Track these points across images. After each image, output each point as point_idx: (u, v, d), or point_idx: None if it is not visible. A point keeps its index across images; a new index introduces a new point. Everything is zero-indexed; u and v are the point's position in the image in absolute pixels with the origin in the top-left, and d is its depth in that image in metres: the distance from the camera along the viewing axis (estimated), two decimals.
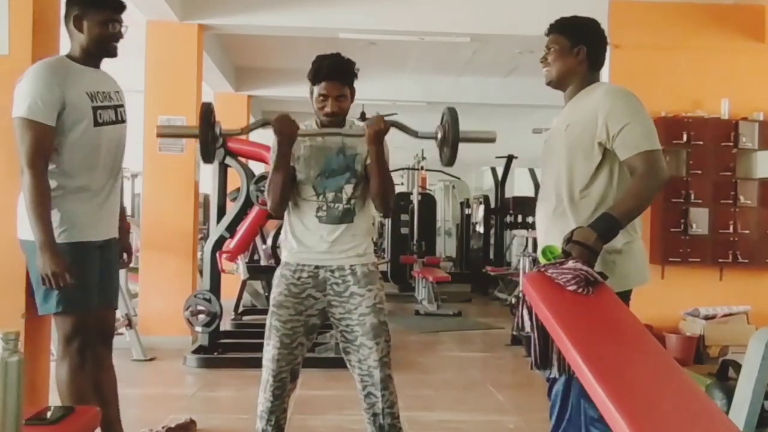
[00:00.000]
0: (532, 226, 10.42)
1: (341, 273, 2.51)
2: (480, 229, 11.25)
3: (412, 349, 5.73)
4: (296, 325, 2.49)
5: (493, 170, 11.16)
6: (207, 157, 2.43)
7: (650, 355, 1.88)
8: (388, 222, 11.06)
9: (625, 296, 2.31)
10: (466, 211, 11.82)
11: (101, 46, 2.49)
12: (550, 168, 2.40)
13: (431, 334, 6.63)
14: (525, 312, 2.18)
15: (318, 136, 2.55)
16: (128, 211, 10.27)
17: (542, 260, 2.16)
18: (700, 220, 5.47)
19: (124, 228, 2.77)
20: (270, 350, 2.48)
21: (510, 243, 11.43)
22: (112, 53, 2.53)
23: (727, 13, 5.56)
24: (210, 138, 2.40)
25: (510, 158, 10.32)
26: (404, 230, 10.64)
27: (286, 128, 2.42)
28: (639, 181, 2.14)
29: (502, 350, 5.69)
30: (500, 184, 10.74)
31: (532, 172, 11.14)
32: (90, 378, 2.49)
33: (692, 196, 5.47)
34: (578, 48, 2.33)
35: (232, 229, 5.06)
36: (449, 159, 2.44)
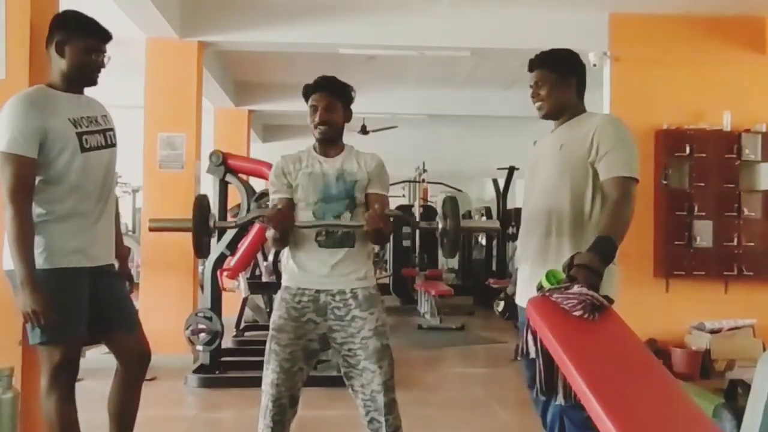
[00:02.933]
0: None
1: (342, 297, 2.48)
2: (482, 240, 11.21)
3: (415, 365, 5.68)
4: (296, 349, 2.46)
5: (495, 182, 11.13)
6: (200, 252, 2.38)
7: (658, 383, 1.84)
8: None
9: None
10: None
11: (82, 74, 2.45)
12: (540, 187, 2.42)
13: (434, 349, 6.58)
14: (529, 337, 2.15)
15: (319, 178, 2.50)
16: (129, 227, 10.30)
17: (546, 284, 2.12)
18: (704, 233, 5.45)
19: (123, 254, 2.73)
20: (269, 375, 2.44)
21: (512, 254, 11.38)
22: (93, 82, 2.49)
23: (728, 25, 5.55)
24: (204, 232, 2.36)
25: (511, 169, 10.29)
26: (406, 243, 10.61)
27: (282, 226, 2.42)
28: (617, 206, 2.23)
29: (505, 365, 5.64)
30: (502, 196, 10.71)
31: None
32: (75, 411, 2.43)
33: (696, 209, 5.45)
34: (568, 81, 2.43)
35: (232, 246, 5.03)
36: (450, 251, 2.42)
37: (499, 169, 10.35)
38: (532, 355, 2.14)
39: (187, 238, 5.50)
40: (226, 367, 5.11)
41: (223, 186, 5.15)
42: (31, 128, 2.30)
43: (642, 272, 5.45)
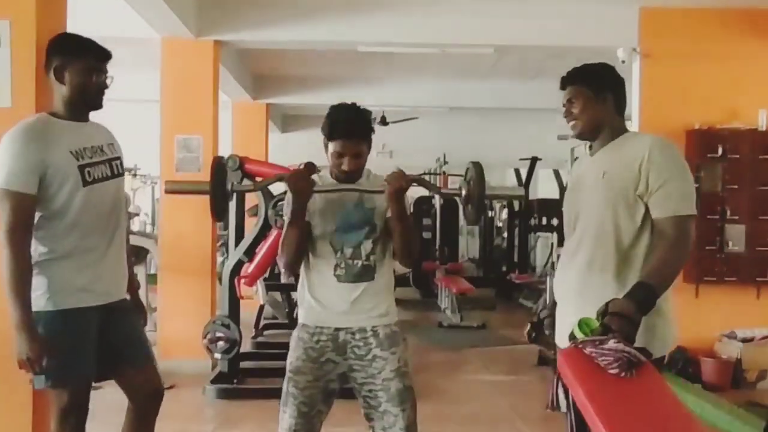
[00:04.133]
0: (557, 229, 10.29)
1: (363, 335, 2.37)
2: (503, 229, 11.05)
3: (435, 371, 5.58)
4: (315, 392, 2.36)
5: (517, 172, 10.94)
6: (218, 214, 2.30)
7: None
8: None
9: (662, 360, 2.21)
10: (489, 213, 11.62)
11: (85, 98, 2.34)
12: (584, 218, 2.26)
13: (454, 351, 6.48)
14: (560, 391, 2.03)
15: (337, 205, 2.39)
16: (148, 219, 10.30)
17: (579, 334, 1.99)
18: (736, 238, 5.26)
19: (134, 286, 2.64)
20: (287, 420, 2.34)
21: (534, 245, 11.23)
22: (98, 105, 2.38)
23: (764, 19, 5.30)
24: (221, 195, 2.26)
25: (534, 160, 10.08)
26: (426, 234, 10.49)
27: (301, 186, 2.28)
28: (671, 249, 2.07)
29: (529, 371, 5.53)
30: (524, 186, 10.51)
31: (556, 173, 10.88)
32: None
33: (728, 213, 5.26)
34: (603, 96, 2.26)
35: (250, 252, 4.94)
36: (475, 218, 2.28)
37: (521, 159, 10.15)
38: (563, 409, 2.02)
39: (206, 240, 5.49)
40: (245, 375, 5.06)
41: (241, 192, 5.03)
42: (30, 163, 2.20)
43: None
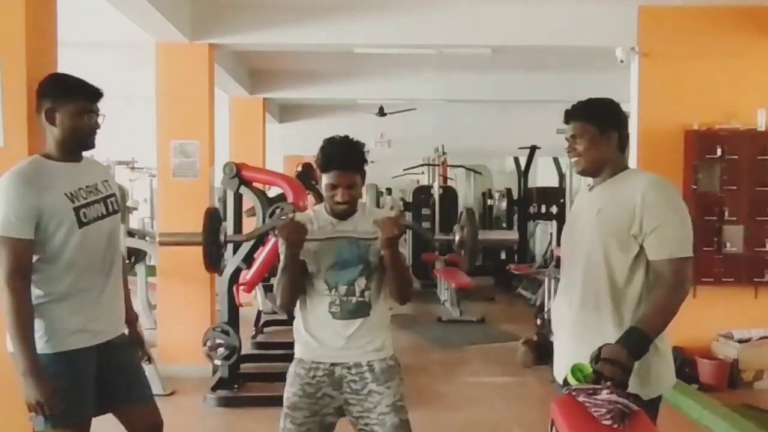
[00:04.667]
0: (556, 217, 10.29)
1: (358, 370, 2.39)
2: (501, 219, 11.04)
3: (434, 372, 5.62)
4: (312, 427, 2.38)
5: (516, 160, 10.91)
6: (212, 264, 2.28)
7: None
8: (408, 216, 10.89)
9: (659, 400, 2.23)
10: (489, 202, 11.62)
11: (76, 140, 2.32)
12: (578, 254, 2.26)
13: (454, 349, 6.52)
14: None
15: (331, 242, 2.38)
16: (146, 213, 10.30)
17: (572, 381, 2.01)
18: (734, 238, 5.25)
19: (132, 321, 2.65)
20: None
21: (534, 231, 11.23)
22: (90, 146, 2.37)
23: (764, 17, 5.24)
24: (215, 246, 2.25)
25: (533, 149, 10.06)
26: (425, 224, 10.48)
27: (293, 238, 2.28)
28: (667, 294, 2.06)
29: (528, 372, 5.54)
30: (523, 175, 10.51)
31: (556, 161, 10.86)
32: None
33: (726, 213, 5.25)
34: (609, 134, 2.23)
35: (248, 259, 4.94)
36: (468, 264, 2.27)
37: (520, 148, 10.12)
38: None
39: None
40: (245, 380, 5.09)
41: (238, 198, 5.03)
42: (26, 208, 2.20)
43: None
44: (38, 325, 2.27)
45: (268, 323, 6.96)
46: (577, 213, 2.36)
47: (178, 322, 5.41)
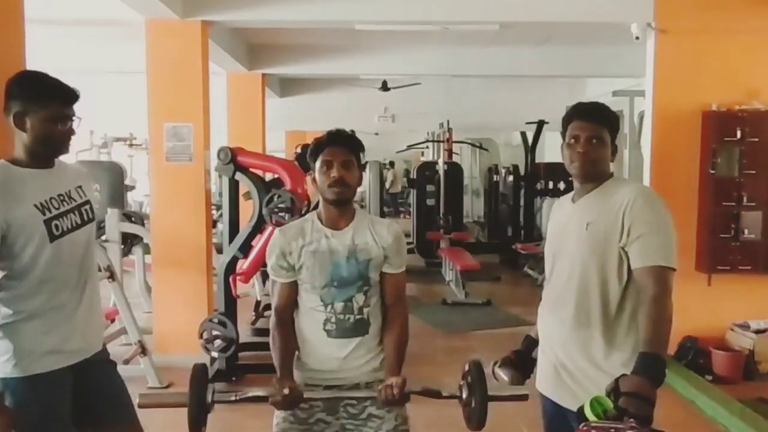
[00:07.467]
0: (563, 194, 10.01)
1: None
2: (508, 197, 10.80)
3: (439, 362, 5.46)
4: None
5: (523, 135, 10.62)
6: (196, 427, 2.01)
7: None
8: (413, 193, 10.68)
9: None
10: (494, 178, 11.37)
11: (48, 147, 2.11)
12: (569, 272, 2.14)
13: (459, 335, 6.36)
14: None
15: (326, 257, 2.17)
16: (147, 190, 10.08)
17: (590, 415, 1.82)
18: (752, 225, 5.05)
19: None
20: None
21: (540, 207, 11.01)
22: (62, 152, 2.16)
23: None
24: (201, 409, 2.01)
25: (541, 123, 9.77)
26: (430, 202, 10.29)
27: (287, 408, 2.14)
28: (658, 308, 1.95)
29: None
30: (530, 150, 10.23)
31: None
32: None
33: (745, 199, 5.04)
34: (613, 143, 2.16)
35: (245, 249, 4.76)
36: (477, 423, 2.04)
37: (527, 123, 9.84)
38: None
39: (200, 233, 5.29)
40: (243, 371, 4.94)
41: (234, 185, 4.83)
42: None
43: (682, 265, 4.85)
44: (6, 347, 2.09)
45: (267, 307, 6.79)
46: (563, 226, 2.21)
47: (173, 311, 5.25)
